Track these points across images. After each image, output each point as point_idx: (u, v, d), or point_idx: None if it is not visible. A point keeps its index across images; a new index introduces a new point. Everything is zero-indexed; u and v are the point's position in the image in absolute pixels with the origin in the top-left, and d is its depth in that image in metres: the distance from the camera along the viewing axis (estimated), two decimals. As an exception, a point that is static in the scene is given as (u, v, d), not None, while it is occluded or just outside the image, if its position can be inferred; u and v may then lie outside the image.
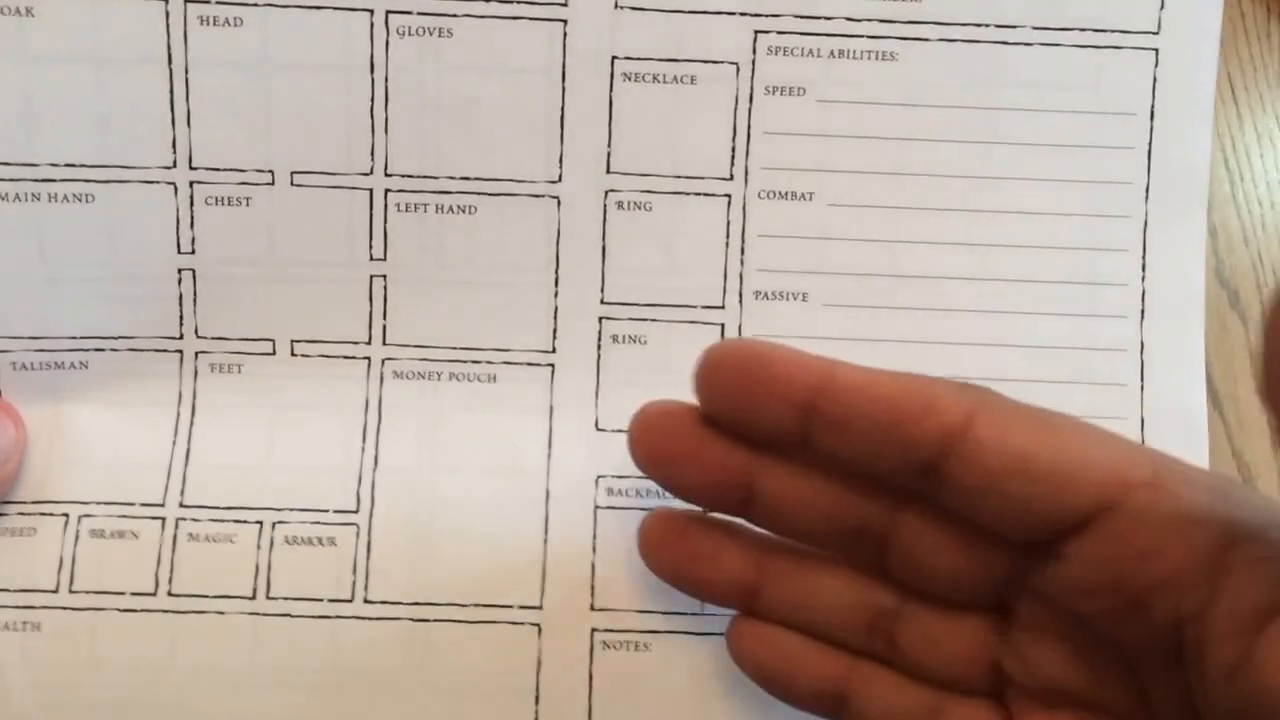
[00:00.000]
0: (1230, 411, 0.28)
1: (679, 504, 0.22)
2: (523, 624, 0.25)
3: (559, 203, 0.25)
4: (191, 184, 0.25)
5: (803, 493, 0.21)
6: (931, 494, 0.20)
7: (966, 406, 0.19)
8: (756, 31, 0.25)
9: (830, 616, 0.22)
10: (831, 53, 0.25)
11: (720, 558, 0.22)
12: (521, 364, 0.26)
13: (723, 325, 0.26)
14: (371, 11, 0.24)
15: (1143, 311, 0.26)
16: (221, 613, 0.24)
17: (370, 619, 0.25)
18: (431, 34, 0.25)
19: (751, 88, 0.25)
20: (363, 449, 0.25)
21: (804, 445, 0.20)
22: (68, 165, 0.24)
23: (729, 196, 0.26)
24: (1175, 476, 0.18)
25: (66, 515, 0.25)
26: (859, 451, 0.20)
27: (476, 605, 0.25)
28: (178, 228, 0.25)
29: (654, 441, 0.21)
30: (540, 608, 0.25)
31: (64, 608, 0.24)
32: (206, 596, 0.25)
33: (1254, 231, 0.28)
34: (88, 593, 0.24)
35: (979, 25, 0.25)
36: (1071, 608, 0.19)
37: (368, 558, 0.25)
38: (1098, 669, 0.20)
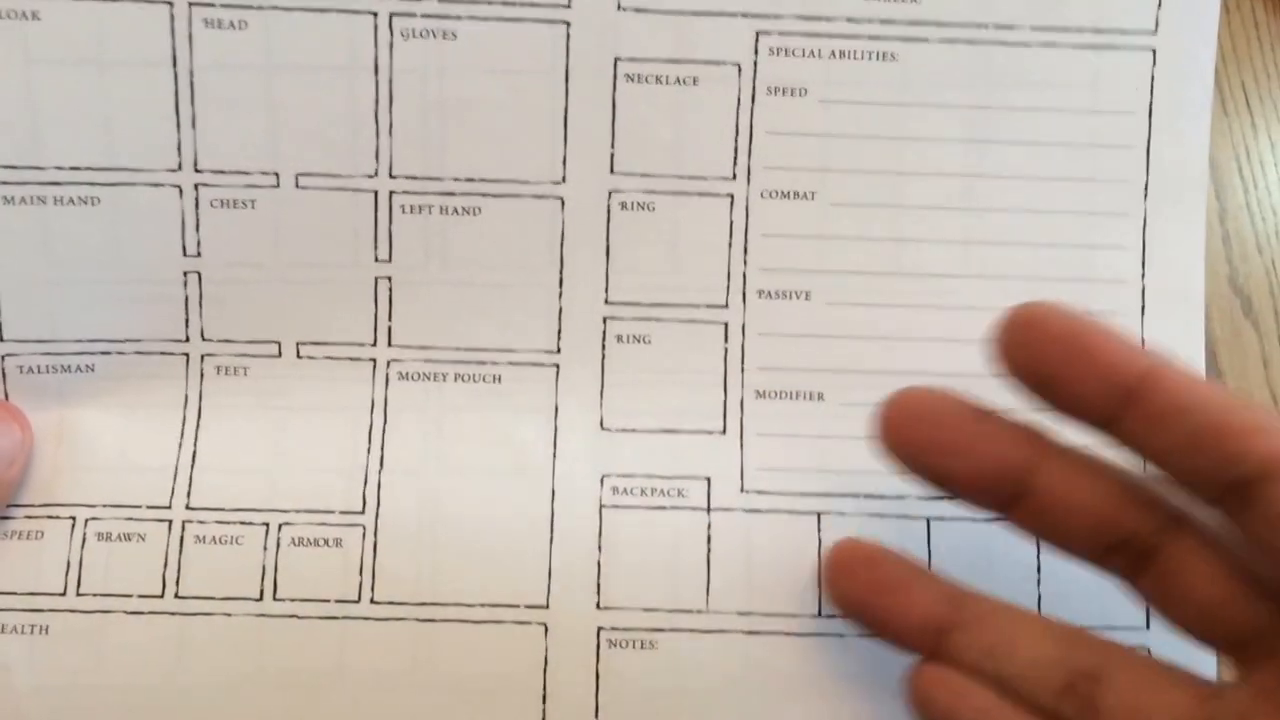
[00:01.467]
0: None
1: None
2: (529, 623, 0.25)
3: (563, 203, 0.25)
4: (197, 186, 0.25)
5: (1080, 494, 0.20)
6: (1229, 513, 0.18)
7: None
8: (758, 32, 0.25)
9: (1026, 669, 0.21)
10: (832, 53, 0.26)
11: (914, 591, 0.21)
12: (526, 364, 0.26)
13: (726, 324, 0.26)
14: (375, 14, 0.25)
15: (1142, 309, 0.26)
16: (229, 614, 0.24)
17: (377, 620, 0.25)
18: (435, 36, 0.25)
19: (754, 88, 0.25)
20: (368, 450, 0.25)
21: (1108, 430, 0.19)
22: (73, 168, 0.24)
23: (732, 196, 0.26)
24: None
25: (73, 518, 0.25)
26: (1168, 451, 0.18)
27: (483, 605, 0.25)
28: (183, 230, 0.25)
29: (922, 430, 0.20)
30: (546, 607, 0.25)
31: (71, 610, 0.24)
32: (213, 598, 0.25)
33: (1267, 239, 0.29)
34: (95, 595, 0.24)
35: (978, 26, 0.26)
36: None
37: (374, 559, 0.25)
38: None
